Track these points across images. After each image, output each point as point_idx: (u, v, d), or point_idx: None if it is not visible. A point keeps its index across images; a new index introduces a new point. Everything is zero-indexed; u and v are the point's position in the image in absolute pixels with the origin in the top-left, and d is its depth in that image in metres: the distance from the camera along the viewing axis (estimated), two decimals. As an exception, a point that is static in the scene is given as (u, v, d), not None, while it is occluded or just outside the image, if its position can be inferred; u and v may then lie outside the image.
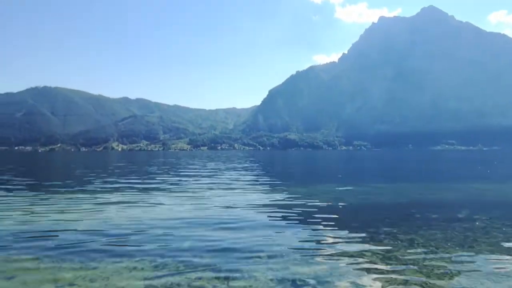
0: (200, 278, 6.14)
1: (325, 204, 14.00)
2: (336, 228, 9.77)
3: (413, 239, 8.50)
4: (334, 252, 7.60)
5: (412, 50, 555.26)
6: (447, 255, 7.33)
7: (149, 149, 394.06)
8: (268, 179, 25.33)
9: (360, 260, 7.07)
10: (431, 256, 7.25)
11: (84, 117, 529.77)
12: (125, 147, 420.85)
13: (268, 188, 19.60)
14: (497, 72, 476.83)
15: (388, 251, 7.59)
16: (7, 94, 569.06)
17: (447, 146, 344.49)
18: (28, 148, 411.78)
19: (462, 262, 6.90)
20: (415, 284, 5.76)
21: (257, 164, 47.60)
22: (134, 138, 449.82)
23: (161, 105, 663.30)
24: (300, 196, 15.94)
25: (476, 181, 24.53)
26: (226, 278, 6.11)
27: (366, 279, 6.00)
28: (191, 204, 14.03)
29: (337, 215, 11.66)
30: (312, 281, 5.94)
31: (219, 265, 6.75)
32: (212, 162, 55.99)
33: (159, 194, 16.98)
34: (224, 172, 32.58)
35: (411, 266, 6.61)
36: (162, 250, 7.77)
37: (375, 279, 5.99)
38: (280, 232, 9.32)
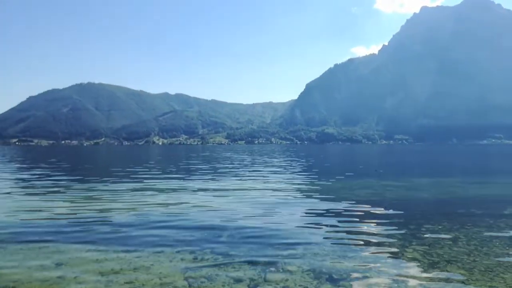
0: (237, 270, 6.16)
1: (365, 199, 13.78)
2: (376, 224, 9.62)
3: (456, 236, 8.23)
4: (373, 247, 7.46)
5: (457, 40, 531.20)
6: (491, 253, 7.02)
7: (188, 143, 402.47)
8: (306, 173, 25.24)
9: (401, 256, 6.89)
10: (475, 253, 6.97)
11: (126, 112, 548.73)
12: (165, 141, 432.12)
13: (306, 181, 19.55)
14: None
15: (429, 248, 7.36)
16: (53, 90, 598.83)
17: (493, 140, 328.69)
18: (74, 142, 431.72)
19: (507, 260, 6.58)
20: (457, 281, 5.60)
21: (294, 158, 47.49)
22: (174, 132, 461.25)
23: (199, 100, 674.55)
24: (339, 190, 15.82)
25: (526, 177, 23.31)
26: (263, 271, 6.11)
27: (406, 276, 5.85)
28: (230, 196, 14.24)
29: (377, 210, 11.46)
30: (349, 276, 5.85)
31: (256, 258, 6.75)
32: (251, 155, 56.44)
33: (199, 186, 17.33)
34: (263, 165, 32.79)
35: (454, 264, 6.42)
36: (200, 241, 7.90)
37: (415, 276, 5.84)
38: (318, 226, 9.28)
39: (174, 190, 16.30)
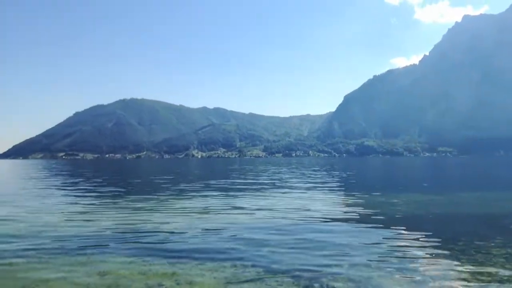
0: (280, 284, 6.11)
1: (410, 214, 13.38)
2: (423, 240, 9.26)
3: (510, 254, 7.83)
4: (419, 264, 7.21)
5: (501, 49, 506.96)
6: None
7: (226, 156, 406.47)
8: (348, 186, 24.87)
9: (449, 275, 6.59)
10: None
11: (167, 126, 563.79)
12: (204, 154, 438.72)
13: (348, 195, 19.29)
14: None
15: (480, 267, 6.99)
16: (99, 106, 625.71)
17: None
18: (118, 155, 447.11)
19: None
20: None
21: (334, 171, 46.89)
22: (212, 145, 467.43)
23: (237, 114, 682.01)
24: (382, 204, 15.46)
25: None
26: (306, 287, 6.02)
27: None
28: (272, 208, 14.24)
29: (423, 226, 11.09)
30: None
31: (299, 273, 6.67)
32: (288, 168, 56.27)
33: (239, 199, 17.49)
34: (304, 178, 32.64)
35: (506, 284, 6.09)
36: (242, 254, 7.93)
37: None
38: (362, 241, 9.10)
39: (215, 202, 16.51)
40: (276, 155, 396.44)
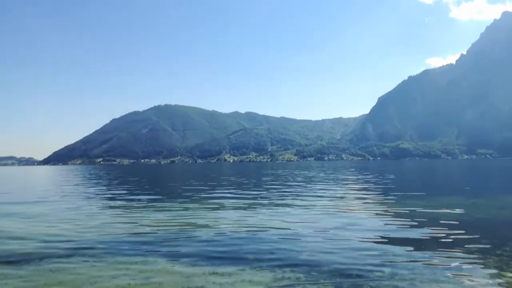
0: None
1: (452, 218, 12.81)
2: (467, 246, 8.87)
3: None
4: (464, 271, 6.95)
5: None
6: None
7: (258, 160, 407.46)
8: (386, 191, 24.29)
9: (497, 282, 6.36)
10: None
11: (199, 131, 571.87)
12: (236, 158, 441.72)
13: (387, 200, 18.79)
14: None
15: None
16: (134, 112, 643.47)
17: None
18: (153, 160, 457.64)
19: None
20: None
21: (371, 174, 45.92)
22: (244, 150, 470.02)
23: (268, 118, 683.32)
24: (422, 209, 14.94)
25: None
26: None
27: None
28: (311, 214, 14.09)
29: (467, 231, 10.60)
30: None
31: (340, 279, 6.58)
32: (324, 172, 55.64)
33: (278, 203, 17.38)
34: (340, 182, 32.18)
35: None
36: (282, 258, 7.90)
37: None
38: (404, 248, 8.81)
39: (253, 206, 16.52)
40: (308, 159, 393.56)
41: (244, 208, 16.10)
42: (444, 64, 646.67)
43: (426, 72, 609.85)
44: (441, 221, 12.18)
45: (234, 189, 27.47)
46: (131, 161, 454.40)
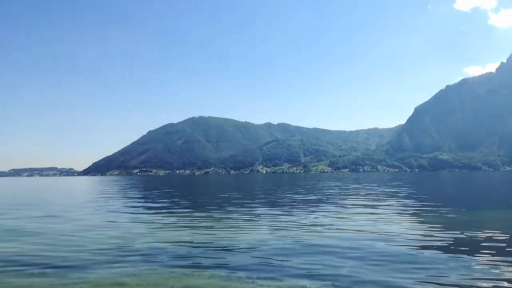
0: None
1: (500, 234, 12.29)
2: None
3: None
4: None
5: None
6: None
7: (291, 171, 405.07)
8: (426, 203, 23.62)
9: None
10: None
11: (233, 143, 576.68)
12: (268, 169, 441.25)
13: (428, 213, 18.26)
14: None
15: None
16: (170, 124, 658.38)
17: None
18: (187, 171, 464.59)
19: None
20: None
21: (408, 187, 44.76)
22: (277, 161, 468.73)
23: (301, 129, 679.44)
24: (466, 223, 14.45)
25: None
26: None
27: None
28: (347, 229, 13.92)
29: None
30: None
31: None
32: (357, 184, 54.71)
33: (323, 214, 17.31)
34: (376, 195, 31.58)
35: None
36: (322, 272, 7.84)
37: None
38: (448, 265, 8.54)
39: (293, 218, 16.51)
40: (343, 170, 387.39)
41: (285, 220, 16.08)
42: (483, 72, 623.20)
43: (464, 81, 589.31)
44: (485, 235, 11.73)
45: (274, 200, 27.46)
46: (167, 171, 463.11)
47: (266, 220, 16.22)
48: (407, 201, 25.54)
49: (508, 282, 7.07)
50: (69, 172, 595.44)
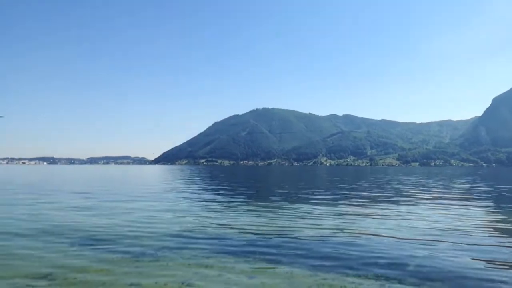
0: None
1: None
2: None
3: None
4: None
5: None
6: None
7: (356, 164, 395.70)
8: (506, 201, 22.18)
9: None
10: None
11: (296, 134, 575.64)
12: (332, 162, 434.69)
13: (505, 211, 17.26)
14: None
15: None
16: (234, 116, 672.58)
17: None
18: (251, 162, 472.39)
19: None
20: None
21: (491, 186, 41.93)
22: (341, 153, 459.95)
23: (368, 120, 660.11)
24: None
25: None
26: None
27: None
28: (410, 223, 13.61)
29: None
30: None
31: None
32: (428, 179, 52.18)
33: (382, 212, 17.04)
34: (451, 190, 30.15)
35: None
36: (388, 268, 7.63)
37: None
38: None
39: (359, 210, 16.46)
40: (412, 164, 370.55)
41: (345, 215, 16.04)
42: None
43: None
44: None
45: (344, 193, 27.31)
46: (231, 162, 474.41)
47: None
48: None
49: None
50: (142, 161, 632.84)
